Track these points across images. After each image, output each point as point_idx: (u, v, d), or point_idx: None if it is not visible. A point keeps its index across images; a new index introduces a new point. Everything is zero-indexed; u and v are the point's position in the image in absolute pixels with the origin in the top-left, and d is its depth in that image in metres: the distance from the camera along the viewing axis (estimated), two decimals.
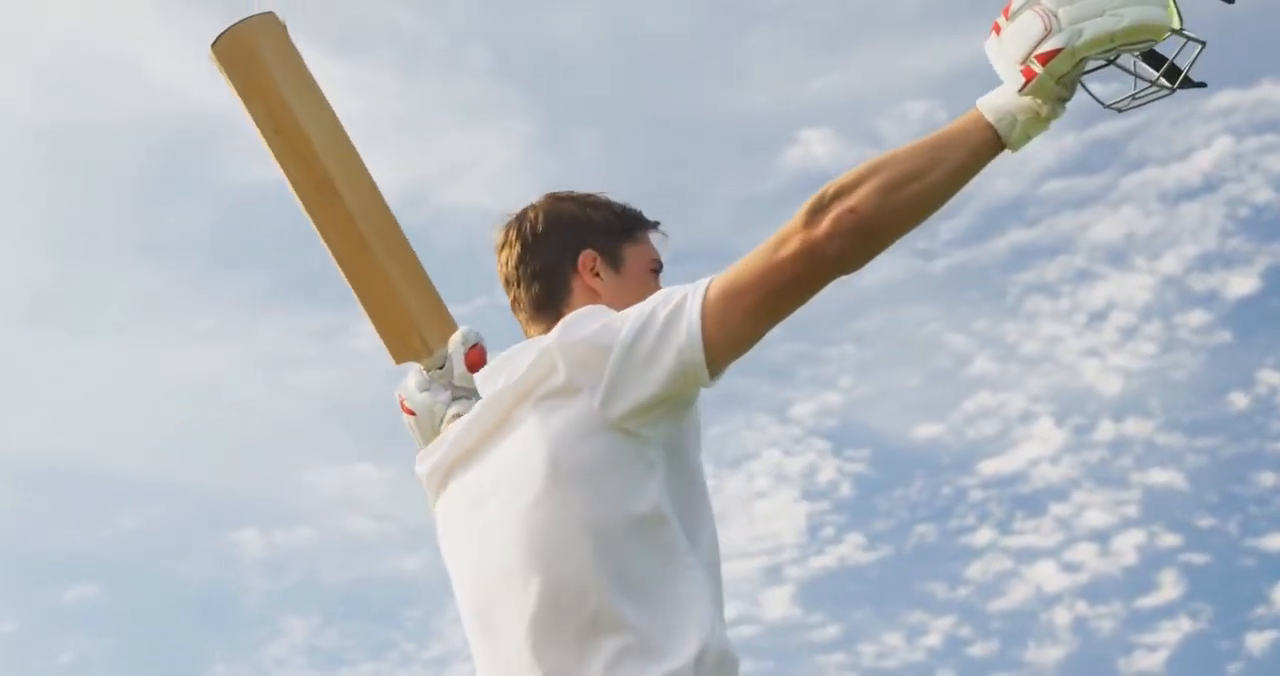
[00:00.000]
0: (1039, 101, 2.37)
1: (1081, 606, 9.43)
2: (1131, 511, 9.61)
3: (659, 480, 2.50)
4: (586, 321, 2.54)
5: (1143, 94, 2.46)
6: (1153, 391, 9.95)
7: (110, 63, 10.54)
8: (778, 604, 9.66)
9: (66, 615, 9.68)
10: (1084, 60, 2.35)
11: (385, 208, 3.27)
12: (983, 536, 9.74)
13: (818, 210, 2.36)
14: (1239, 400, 9.80)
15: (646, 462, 2.49)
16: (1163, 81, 2.43)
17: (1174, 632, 9.27)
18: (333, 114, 3.39)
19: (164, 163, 10.59)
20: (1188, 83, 2.47)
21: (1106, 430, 9.85)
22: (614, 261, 2.78)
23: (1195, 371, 9.91)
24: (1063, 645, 9.39)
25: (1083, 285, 10.12)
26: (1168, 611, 9.34)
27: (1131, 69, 2.40)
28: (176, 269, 10.56)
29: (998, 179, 10.33)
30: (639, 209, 2.86)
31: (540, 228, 2.80)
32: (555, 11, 10.71)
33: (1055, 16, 2.32)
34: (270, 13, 3.47)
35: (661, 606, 2.44)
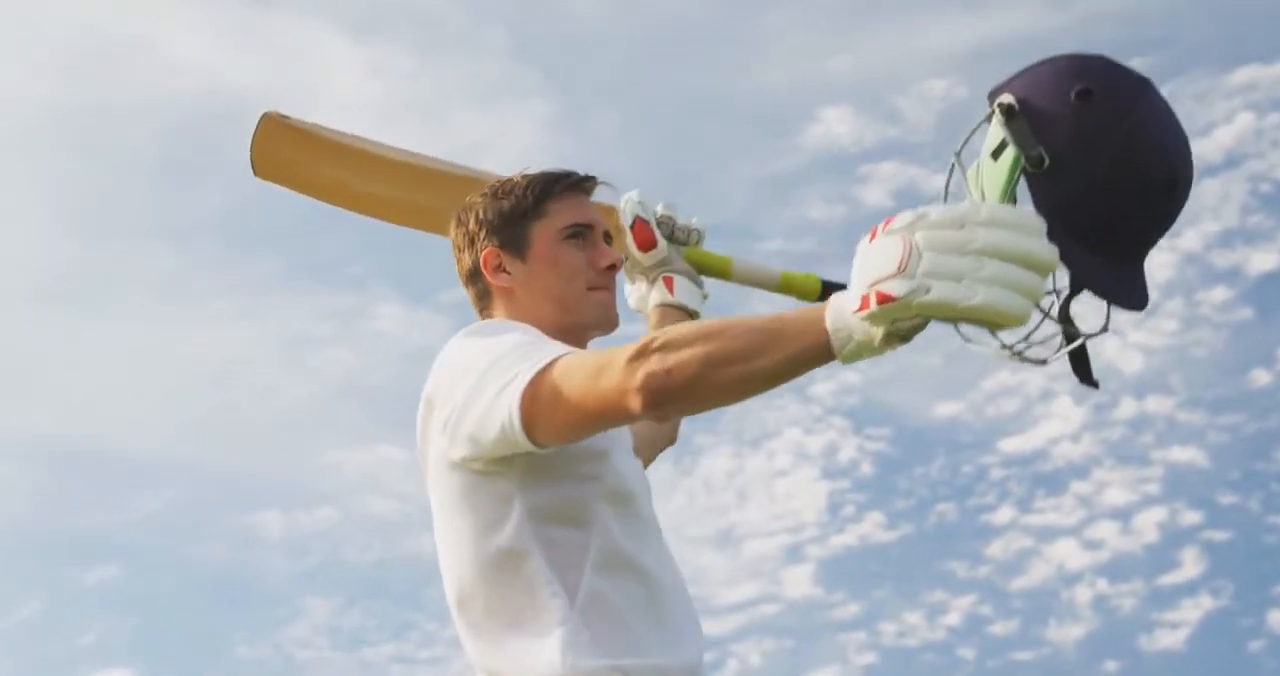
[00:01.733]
0: (876, 330, 2.04)
1: (1102, 584, 9.41)
2: (1153, 489, 9.59)
3: (517, 513, 2.46)
4: (437, 369, 2.53)
5: (1020, 350, 2.31)
6: (1174, 368, 9.92)
7: (127, 44, 10.55)
8: (798, 582, 9.66)
9: (88, 597, 9.71)
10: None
11: (468, 174, 3.40)
12: (1003, 515, 9.73)
13: (640, 356, 2.18)
14: (1261, 377, 9.77)
15: (500, 497, 2.47)
16: (1027, 353, 2.33)
17: (1195, 610, 9.26)
18: (380, 150, 3.47)
19: (181, 144, 10.59)
20: (1085, 376, 2.45)
21: (1127, 407, 9.82)
22: (518, 250, 2.73)
23: (1217, 348, 9.88)
24: (1084, 623, 9.38)
25: None
26: (1189, 589, 9.33)
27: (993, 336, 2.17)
28: (194, 251, 10.57)
29: None
30: (565, 171, 2.79)
31: (454, 233, 2.81)
32: None
33: (916, 257, 1.98)
34: (265, 115, 3.49)
35: (506, 646, 2.46)
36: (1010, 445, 9.90)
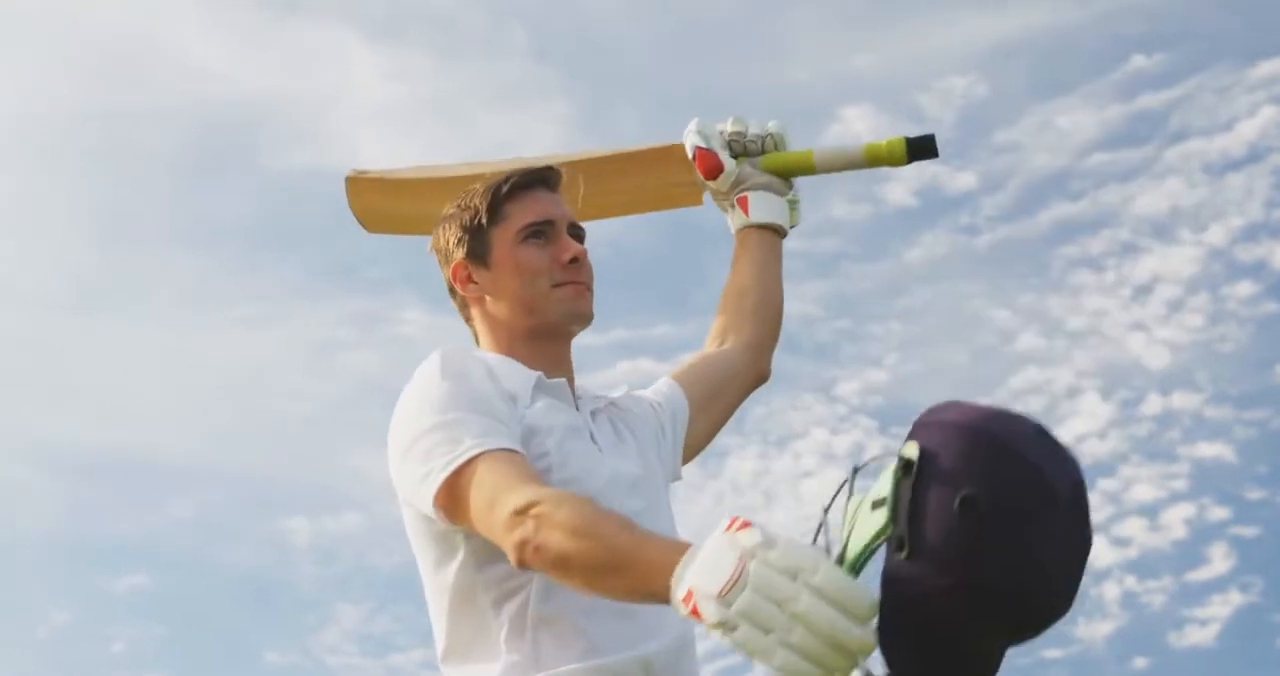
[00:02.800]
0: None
1: (1131, 581, 9.38)
2: (1180, 485, 9.56)
3: (462, 553, 2.49)
4: (392, 417, 2.55)
5: None
6: (1200, 364, 9.89)
7: (149, 51, 10.58)
8: None
9: (118, 604, 9.73)
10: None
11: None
12: None
13: (519, 515, 2.23)
14: None
15: (444, 538, 2.51)
16: None
17: (1224, 606, 9.23)
18: (466, 170, 3.41)
19: (205, 149, 10.62)
20: None
21: (1154, 404, 9.79)
22: (482, 258, 2.73)
23: (1243, 343, 9.85)
24: (1112, 620, 9.35)
25: (1128, 258, 10.07)
26: (1218, 585, 9.30)
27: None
28: (219, 255, 10.59)
29: (1040, 153, 10.28)
30: (519, 169, 2.79)
31: (432, 248, 2.84)
32: None
33: (740, 589, 1.90)
34: (347, 177, 3.51)
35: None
36: None
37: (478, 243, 2.73)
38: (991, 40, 9.94)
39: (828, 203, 9.87)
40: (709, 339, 3.09)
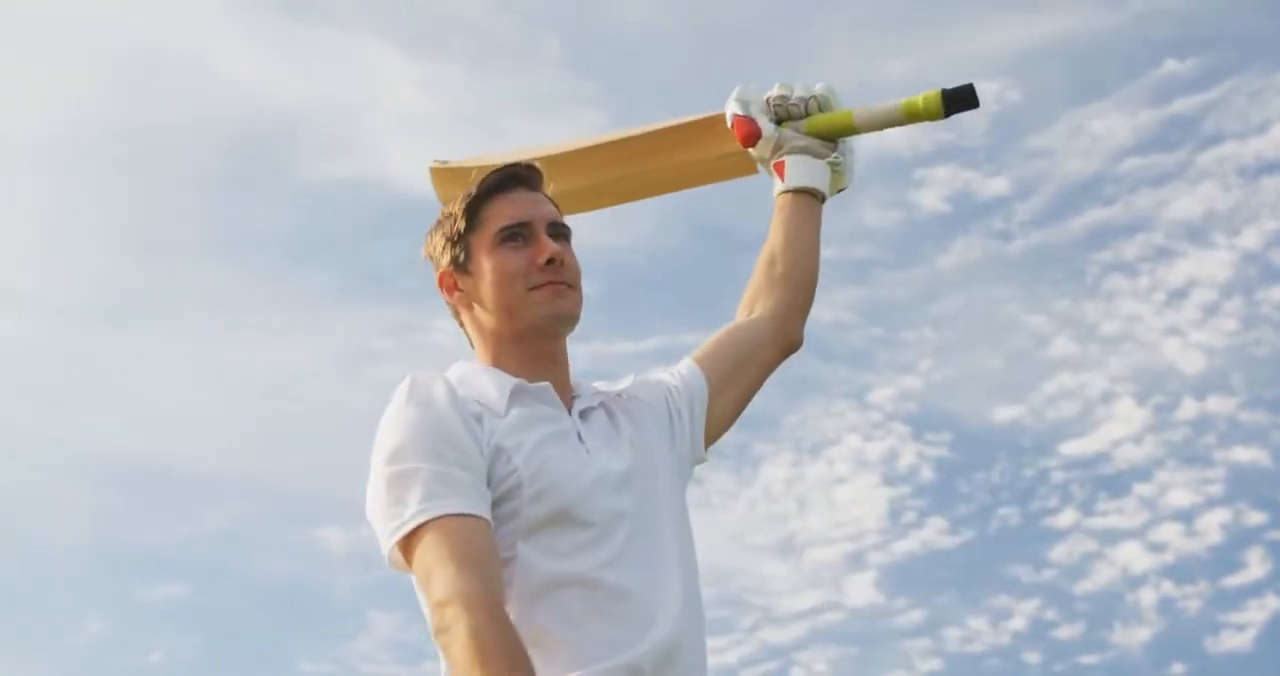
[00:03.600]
0: None
1: (1167, 586, 9.36)
2: (1216, 490, 9.53)
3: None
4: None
5: None
6: (1235, 368, 9.86)
7: (185, 62, 10.62)
8: (861, 590, 9.65)
9: (154, 614, 9.76)
10: None
11: (615, 143, 3.39)
12: (1066, 518, 9.69)
13: (439, 604, 2.35)
14: None
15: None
16: None
17: (1261, 611, 9.20)
18: (550, 149, 3.42)
19: (239, 160, 10.65)
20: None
21: (1189, 408, 9.77)
22: (463, 266, 2.74)
23: (1278, 347, 9.82)
24: (1149, 626, 9.33)
25: (1162, 263, 10.04)
26: (1255, 590, 9.27)
27: None
28: (253, 266, 10.62)
29: (1074, 158, 10.26)
30: (494, 170, 2.77)
31: (424, 258, 2.85)
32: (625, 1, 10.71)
33: None
34: (430, 169, 3.54)
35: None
36: (1072, 448, 9.87)
37: (459, 250, 2.73)
38: (1024, 45, 9.93)
39: (860, 209, 9.87)
40: (740, 307, 3.05)
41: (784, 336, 3.02)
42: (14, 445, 10.21)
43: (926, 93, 3.12)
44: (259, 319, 10.53)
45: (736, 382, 2.91)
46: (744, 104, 3.20)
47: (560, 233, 2.73)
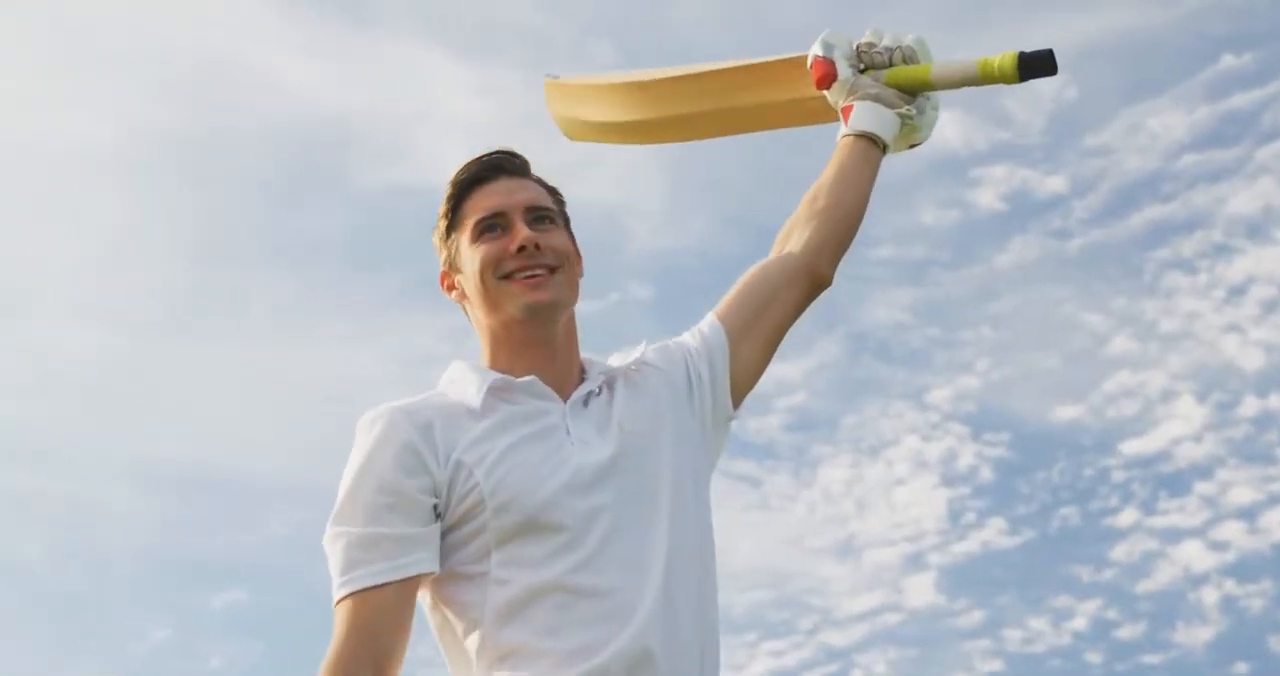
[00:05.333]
0: None
1: (1230, 585, 9.31)
2: (1278, 487, 9.47)
3: (430, 598, 2.60)
4: None
5: None
6: None
7: (242, 71, 10.67)
8: (921, 591, 9.62)
9: (216, 621, 9.81)
10: None
11: (693, 78, 3.37)
12: (1127, 517, 9.65)
13: None
14: None
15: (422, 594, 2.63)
16: None
17: None
18: (658, 75, 3.44)
19: (296, 168, 10.70)
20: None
21: (1250, 406, 9.72)
22: (454, 263, 2.77)
23: None
24: (1212, 625, 9.28)
25: (1221, 260, 10.00)
26: None
27: None
28: (312, 273, 10.67)
29: (1131, 155, 10.22)
30: (473, 161, 2.78)
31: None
32: (677, 2, 10.71)
33: None
34: (545, 83, 3.63)
35: None
36: (1132, 447, 9.83)
37: (450, 248, 2.75)
38: (1080, 42, 9.87)
39: (917, 209, 9.85)
40: (775, 241, 3.00)
41: (813, 272, 2.93)
42: (77, 454, 10.28)
43: (1004, 53, 3.04)
44: (318, 326, 10.58)
45: (760, 327, 2.85)
46: (828, 47, 3.16)
47: (543, 216, 2.72)
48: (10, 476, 10.16)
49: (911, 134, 3.17)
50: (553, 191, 2.81)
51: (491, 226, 2.69)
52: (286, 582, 9.90)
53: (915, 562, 9.72)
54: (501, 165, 2.77)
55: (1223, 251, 9.98)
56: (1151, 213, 10.12)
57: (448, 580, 2.53)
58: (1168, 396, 9.89)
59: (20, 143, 10.59)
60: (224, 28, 10.63)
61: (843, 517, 9.93)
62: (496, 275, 2.66)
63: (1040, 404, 10.35)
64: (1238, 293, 9.91)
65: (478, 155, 2.79)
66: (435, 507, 2.52)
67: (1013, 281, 10.44)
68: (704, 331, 2.83)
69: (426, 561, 2.50)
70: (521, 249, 2.65)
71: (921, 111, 3.16)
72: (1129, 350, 10.09)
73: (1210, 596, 9.32)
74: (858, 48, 3.17)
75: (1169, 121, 10.16)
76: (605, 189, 10.15)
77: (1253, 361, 9.84)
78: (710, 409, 2.77)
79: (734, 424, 2.84)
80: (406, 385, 10.45)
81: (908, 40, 3.15)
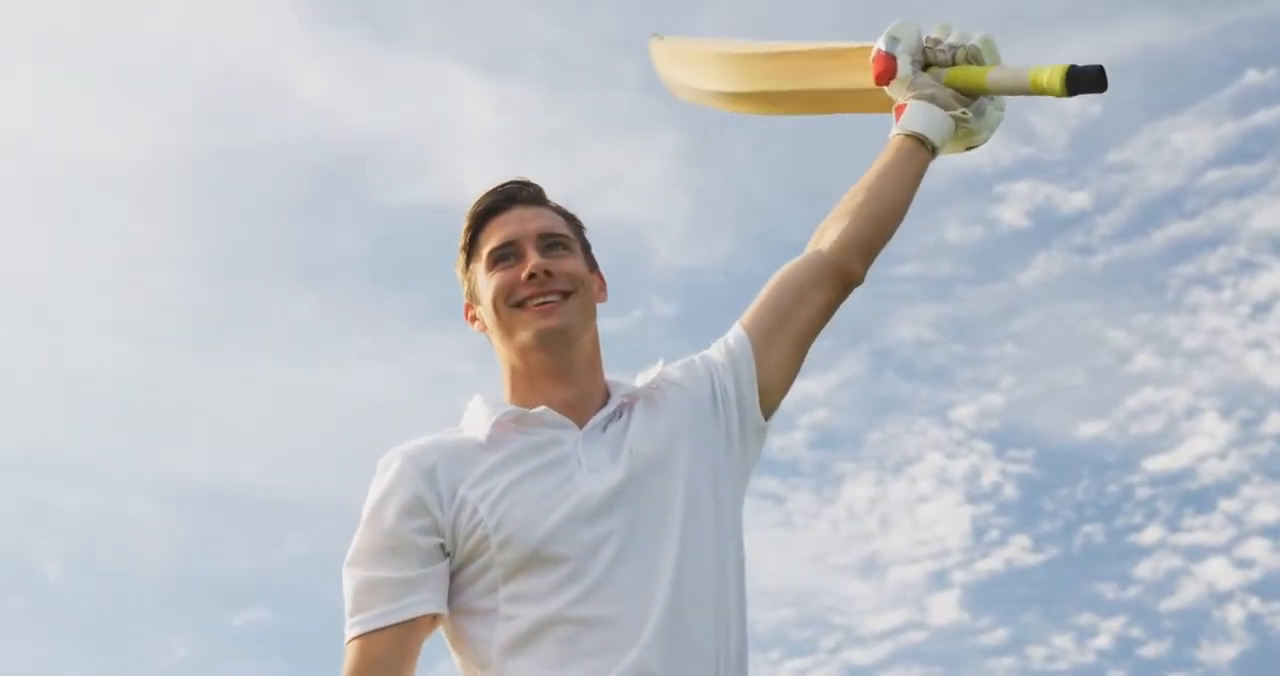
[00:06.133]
0: None
1: (1255, 603, 9.28)
2: None
3: (449, 632, 2.63)
4: None
5: None
6: None
7: (264, 88, 10.70)
8: (945, 608, 9.60)
9: (237, 639, 9.80)
10: None
11: (789, 56, 3.36)
12: (1151, 534, 9.62)
13: None
14: None
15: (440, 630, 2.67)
16: None
17: None
18: (757, 48, 3.44)
19: (319, 185, 10.72)
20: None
21: (1275, 422, 9.69)
22: (474, 295, 2.78)
23: None
24: (1237, 643, 9.25)
25: (1245, 276, 9.97)
26: None
27: None
28: (335, 290, 10.68)
29: (1155, 171, 10.20)
30: (483, 195, 2.80)
31: None
32: (701, 19, 10.71)
33: None
34: (650, 42, 3.65)
35: None
36: (1156, 464, 9.80)
37: (469, 279, 2.78)
38: (1103, 58, 9.84)
39: (941, 226, 9.84)
40: (812, 237, 2.96)
41: (841, 270, 2.88)
42: (100, 471, 10.30)
43: (1055, 66, 2.97)
44: (342, 343, 10.59)
45: (787, 330, 2.82)
46: (892, 41, 3.11)
47: (556, 242, 2.73)
48: (33, 492, 10.19)
49: (969, 136, 3.12)
50: (569, 218, 2.81)
51: (505, 256, 2.71)
52: (308, 600, 9.91)
53: (939, 580, 9.71)
54: (515, 195, 2.78)
55: (1247, 267, 9.97)
56: (1175, 229, 10.10)
57: (461, 616, 2.56)
58: (1192, 413, 9.87)
59: (47, 159, 10.64)
60: (248, 46, 10.67)
61: (866, 535, 9.92)
62: (509, 303, 2.68)
63: (1064, 421, 10.33)
64: (1262, 309, 9.89)
65: (493, 186, 2.80)
66: (442, 547, 2.56)
67: (1036, 298, 10.43)
68: (729, 343, 2.82)
69: (428, 602, 2.53)
70: (532, 276, 2.67)
71: (980, 113, 3.10)
72: (1153, 367, 10.07)
73: (1235, 614, 9.29)
74: (924, 42, 3.13)
75: (1193, 137, 10.15)
76: (629, 206, 10.17)
77: (1277, 378, 9.82)
78: (738, 421, 2.75)
79: (769, 433, 2.82)
80: (429, 402, 10.45)
81: (974, 39, 3.10)
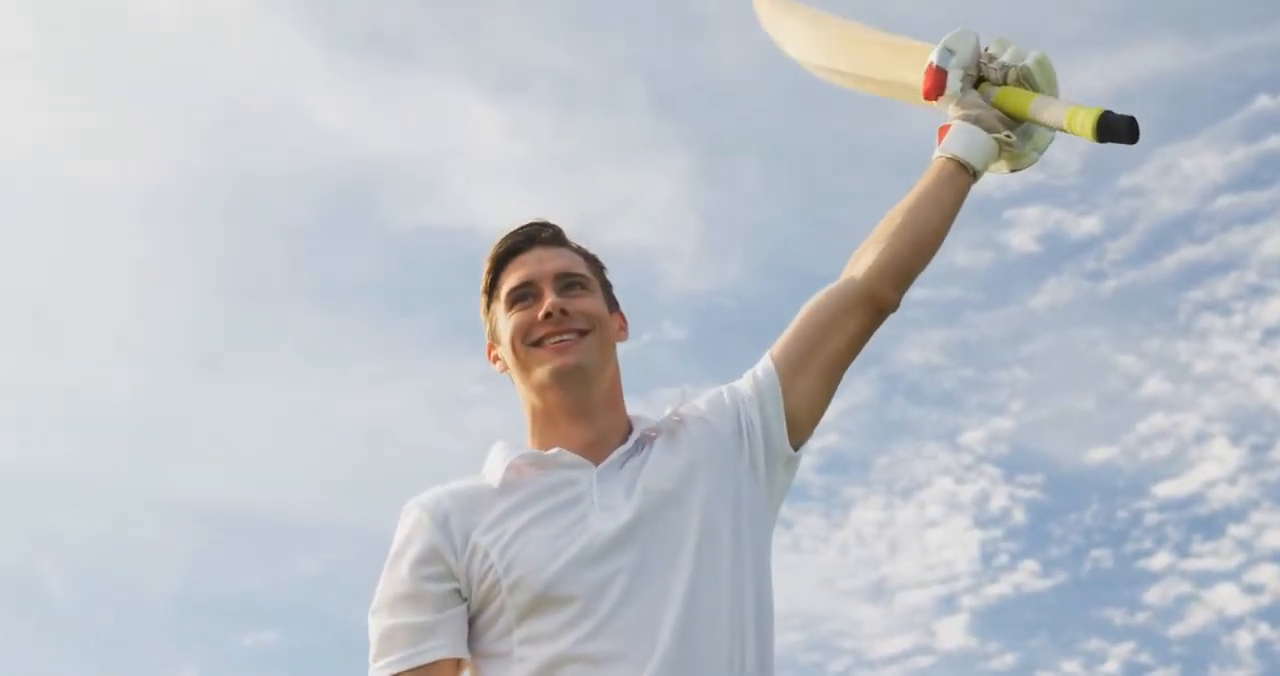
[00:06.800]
0: None
1: (1264, 629, 9.27)
2: None
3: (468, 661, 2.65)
4: None
5: None
6: None
7: (278, 112, 10.73)
8: (953, 633, 9.59)
9: (246, 660, 9.82)
10: None
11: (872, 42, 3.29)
12: (1160, 560, 9.62)
13: None
14: None
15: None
16: None
17: None
18: (853, 32, 3.36)
19: (330, 209, 10.76)
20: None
21: None
22: (495, 335, 2.81)
23: None
24: (1246, 669, 9.24)
25: (1256, 301, 9.97)
26: None
27: None
28: (345, 314, 10.70)
29: (1165, 197, 10.21)
30: (502, 237, 2.83)
31: None
32: (710, 44, 10.74)
33: None
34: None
35: None
36: (1166, 489, 9.80)
37: (490, 320, 2.80)
38: (1114, 83, 9.87)
39: (950, 250, 9.84)
40: (848, 262, 2.91)
41: (873, 297, 2.83)
42: (109, 493, 10.31)
43: (1090, 109, 2.87)
44: (352, 366, 10.61)
45: (817, 361, 2.79)
46: (946, 53, 3.01)
47: (574, 282, 2.76)
48: (42, 514, 10.20)
49: (1015, 158, 3.03)
50: (590, 258, 2.84)
51: (523, 296, 2.74)
52: (317, 622, 9.91)
53: (947, 605, 9.70)
54: (535, 236, 2.80)
55: (1258, 293, 9.97)
56: (1186, 254, 10.11)
57: (480, 660, 2.59)
58: (1202, 438, 9.86)
59: (58, 180, 10.67)
60: (261, 69, 10.70)
61: (875, 559, 9.91)
62: (526, 342, 2.71)
63: (1073, 446, 10.33)
64: (1273, 334, 9.89)
65: (513, 228, 2.82)
66: (458, 592, 2.60)
67: (1046, 323, 10.43)
68: (757, 374, 2.81)
69: (445, 647, 2.57)
70: (548, 315, 2.69)
71: (1027, 136, 3.01)
72: (1163, 392, 10.07)
73: (1244, 640, 9.28)
74: (981, 56, 3.04)
75: (1204, 162, 10.16)
76: (640, 231, 10.18)
77: None
78: (764, 451, 2.75)
79: (799, 461, 2.82)
80: (437, 425, 10.46)
81: (1028, 60, 2.99)
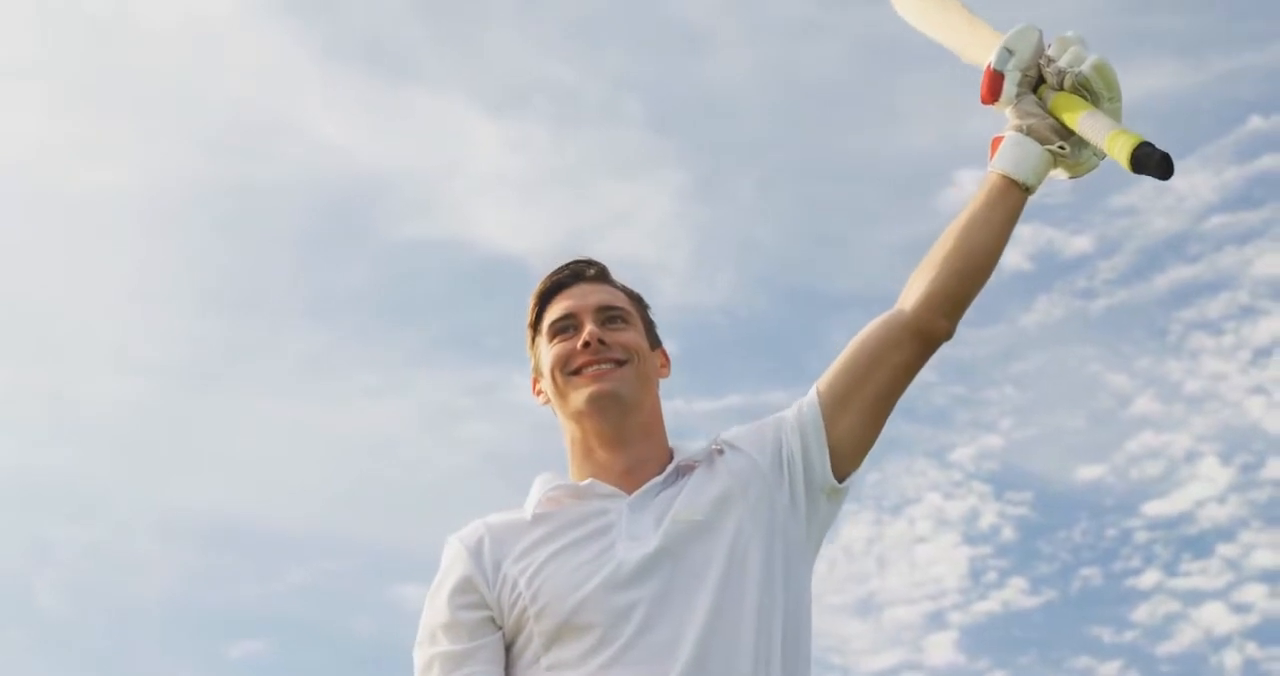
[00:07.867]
0: None
1: (1252, 648, 9.29)
2: None
3: None
4: None
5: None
6: None
7: (276, 124, 10.75)
8: (941, 650, 9.61)
9: (234, 671, 9.82)
10: None
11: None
12: (1149, 578, 9.64)
13: None
14: None
15: None
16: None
17: None
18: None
19: (327, 222, 10.78)
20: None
21: (1275, 468, 9.71)
22: (540, 368, 2.86)
23: None
24: None
25: (1247, 321, 10.01)
26: None
27: None
28: (340, 327, 10.72)
29: (1157, 216, 10.24)
30: (550, 273, 2.89)
31: None
32: (707, 60, 10.78)
33: None
34: None
35: None
36: (1155, 508, 9.82)
37: (534, 356, 2.87)
38: None
39: None
40: (905, 287, 2.85)
41: (923, 330, 2.79)
42: (103, 503, 10.32)
43: (1131, 136, 2.75)
44: (347, 378, 10.63)
45: (862, 395, 2.76)
46: (1005, 55, 2.88)
47: (615, 315, 2.82)
48: (35, 525, 10.21)
49: (1072, 167, 2.92)
50: (633, 296, 2.91)
51: (565, 328, 2.81)
52: (307, 633, 9.92)
53: (936, 621, 9.72)
54: (580, 272, 2.88)
55: (1249, 313, 10.00)
56: (1177, 273, 10.15)
57: None
58: (1191, 458, 9.89)
59: (56, 190, 10.69)
60: (259, 82, 10.73)
61: (864, 575, 9.94)
62: (565, 371, 2.77)
63: (1063, 464, 10.36)
64: (1263, 354, 9.93)
65: (559, 265, 2.90)
66: (493, 619, 2.67)
67: (1037, 341, 10.46)
68: (802, 406, 2.81)
69: (480, 674, 2.63)
70: (586, 344, 2.76)
71: (1082, 145, 2.87)
72: (1153, 411, 10.10)
73: (1232, 659, 9.30)
74: (1042, 56, 2.90)
75: (1196, 182, 10.20)
76: (634, 246, 10.20)
77: (1278, 423, 9.84)
78: (804, 483, 2.76)
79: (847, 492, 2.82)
80: (433, 437, 10.50)
81: (1086, 66, 2.85)
